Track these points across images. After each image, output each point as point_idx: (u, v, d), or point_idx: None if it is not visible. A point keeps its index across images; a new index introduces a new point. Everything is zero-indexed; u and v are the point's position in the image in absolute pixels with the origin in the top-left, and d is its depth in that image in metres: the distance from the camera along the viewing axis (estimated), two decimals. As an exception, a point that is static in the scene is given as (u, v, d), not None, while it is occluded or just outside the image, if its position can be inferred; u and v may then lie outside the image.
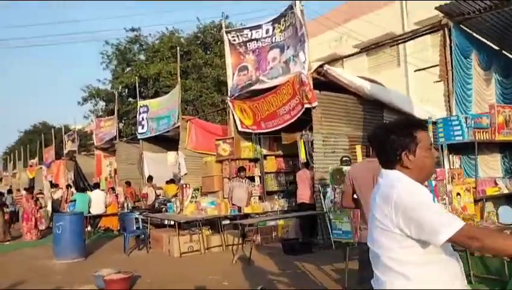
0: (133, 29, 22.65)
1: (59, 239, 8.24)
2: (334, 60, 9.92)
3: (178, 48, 13.90)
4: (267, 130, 9.83)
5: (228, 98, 10.60)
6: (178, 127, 12.56)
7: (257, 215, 9.23)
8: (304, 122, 9.04)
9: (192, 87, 19.71)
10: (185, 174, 12.30)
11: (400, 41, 8.59)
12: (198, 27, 22.07)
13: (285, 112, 9.03)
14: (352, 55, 9.56)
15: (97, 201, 11.33)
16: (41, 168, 26.41)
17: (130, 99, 22.55)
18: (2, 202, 12.40)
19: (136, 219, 9.01)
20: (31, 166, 29.00)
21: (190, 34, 22.48)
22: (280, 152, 10.92)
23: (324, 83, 8.63)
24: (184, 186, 9.34)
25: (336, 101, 8.57)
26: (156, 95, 21.24)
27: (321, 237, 7.98)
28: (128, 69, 22.30)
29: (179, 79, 12.92)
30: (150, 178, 14.02)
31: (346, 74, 8.80)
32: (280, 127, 9.42)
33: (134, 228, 8.93)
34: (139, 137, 14.61)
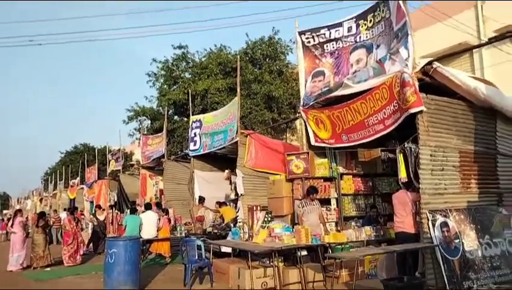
0: (180, 47, 21.96)
1: (111, 269, 6.90)
2: (444, 56, 8.29)
3: (238, 59, 12.60)
4: (349, 144, 8.30)
5: (300, 108, 9.17)
6: (236, 142, 11.24)
7: (340, 246, 7.63)
8: (387, 135, 7.57)
9: (241, 104, 18.52)
10: (241, 195, 10.91)
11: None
12: (247, 43, 21.09)
13: (377, 121, 7.49)
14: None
15: (149, 224, 10.02)
16: (82, 188, 25.76)
17: (176, 117, 21.67)
18: (44, 222, 11.31)
19: (199, 246, 7.57)
20: (72, 186, 28.45)
21: (239, 51, 21.53)
22: (358, 171, 9.34)
23: (423, 85, 7.07)
24: (254, 208, 7.86)
25: (446, 107, 6.95)
26: (203, 112, 20.25)
27: (432, 275, 6.28)
28: (175, 86, 21.48)
29: (238, 90, 11.67)
30: (202, 199, 12.69)
31: (460, 73, 7.20)
32: (368, 139, 7.87)
33: (196, 256, 7.48)
34: (190, 154, 13.38)
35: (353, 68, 8.35)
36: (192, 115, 20.56)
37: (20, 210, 11.84)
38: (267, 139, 11.63)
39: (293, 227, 8.20)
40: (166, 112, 16.38)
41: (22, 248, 10.99)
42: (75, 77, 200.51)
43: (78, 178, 27.90)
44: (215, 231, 10.95)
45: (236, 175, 11.65)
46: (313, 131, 8.76)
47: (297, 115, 9.44)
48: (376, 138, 7.78)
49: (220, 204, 11.64)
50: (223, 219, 11.26)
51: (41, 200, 37.45)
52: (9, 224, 11.22)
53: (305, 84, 9.25)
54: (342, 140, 8.35)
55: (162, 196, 16.17)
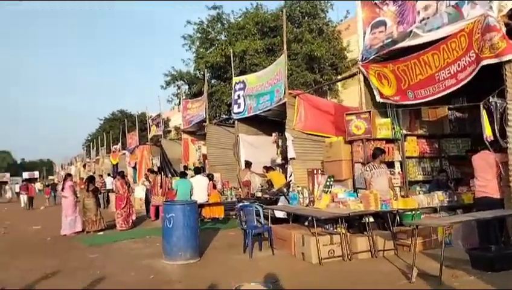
0: (214, 7, 21.05)
1: (170, 234, 6.56)
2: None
3: (284, 12, 11.67)
4: (415, 102, 7.48)
5: (360, 63, 8.36)
6: (283, 104, 10.55)
7: (410, 213, 7.00)
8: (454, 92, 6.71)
9: (282, 64, 17.69)
10: (292, 158, 10.33)
11: None
12: (285, 1, 19.93)
13: (449, 75, 6.63)
14: None
15: (200, 188, 9.67)
16: (124, 154, 25.93)
17: (214, 80, 21.07)
18: (94, 187, 11.18)
19: (257, 211, 7.11)
20: (113, 152, 28.76)
21: (276, 9, 20.43)
22: (423, 132, 8.54)
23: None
24: (315, 172, 7.28)
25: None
26: (241, 74, 19.54)
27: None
28: (211, 49, 20.76)
29: (284, 47, 10.84)
30: (249, 163, 12.24)
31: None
32: (437, 96, 7.03)
33: (255, 222, 7.03)
34: (234, 117, 12.82)
35: (420, 15, 7.38)
36: (229, 78, 20.01)
37: (70, 174, 11.77)
38: (317, 100, 10.88)
39: (354, 192, 7.64)
40: (205, 75, 15.75)
41: (74, 212, 10.93)
42: (107, 45, 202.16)
43: (120, 144, 28.10)
44: (265, 196, 10.52)
45: (283, 138, 11.09)
46: (377, 87, 7.95)
47: (356, 71, 8.60)
48: (442, 95, 6.96)
49: (267, 169, 11.13)
50: (271, 184, 10.81)
51: (84, 165, 38.38)
52: (59, 188, 11.13)
53: (364, 37, 8.38)
54: (407, 97, 7.54)
55: (206, 161, 15.87)
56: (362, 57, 8.29)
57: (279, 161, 12.95)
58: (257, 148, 13.09)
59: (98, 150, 34.44)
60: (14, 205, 26.72)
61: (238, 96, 12.73)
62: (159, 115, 19.74)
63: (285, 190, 9.19)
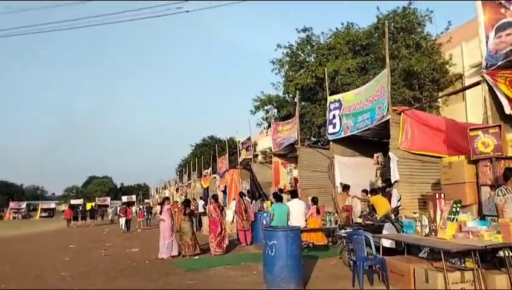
0: (304, 30, 20.86)
1: (272, 263, 6.03)
2: None
3: (386, 24, 10.88)
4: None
5: (484, 70, 7.29)
6: (386, 122, 9.67)
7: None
8: None
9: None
10: (396, 181, 9.34)
11: None
12: (378, 17, 19.04)
13: None
14: None
15: (297, 213, 9.09)
16: (214, 177, 26.40)
17: (304, 103, 20.67)
18: (190, 210, 11.16)
19: (367, 240, 6.30)
20: (205, 176, 29.47)
21: (368, 27, 19.60)
22: None
23: None
24: (437, 197, 6.30)
25: None
26: (333, 94, 18.87)
27: None
28: (301, 71, 20.47)
29: (387, 60, 10.03)
30: (347, 187, 11.44)
31: None
32: None
33: (365, 252, 6.23)
34: (329, 138, 12.15)
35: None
36: (320, 100, 19.45)
37: (167, 198, 11.95)
38: (426, 116, 9.84)
39: (481, 219, 6.50)
40: (297, 96, 15.37)
41: (171, 235, 10.96)
42: (194, 73, 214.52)
43: (210, 168, 28.75)
44: (367, 222, 9.59)
45: (386, 160, 10.14)
46: (506, 96, 6.83)
47: (480, 79, 7.50)
48: None
49: (370, 192, 10.19)
50: (373, 209, 9.85)
51: (177, 189, 40.00)
52: (158, 211, 11.29)
53: (487, 42, 7.31)
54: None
55: (297, 184, 15.33)
56: (486, 64, 7.22)
57: (379, 183, 11.94)
58: (354, 170, 12.23)
59: (189, 175, 35.66)
60: (113, 227, 28.43)
61: (334, 116, 12.08)
62: (249, 139, 19.75)
63: (392, 216, 8.22)
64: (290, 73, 20.40)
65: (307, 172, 14.43)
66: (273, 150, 16.96)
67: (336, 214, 10.82)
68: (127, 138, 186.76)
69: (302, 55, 20.93)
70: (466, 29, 18.11)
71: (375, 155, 10.93)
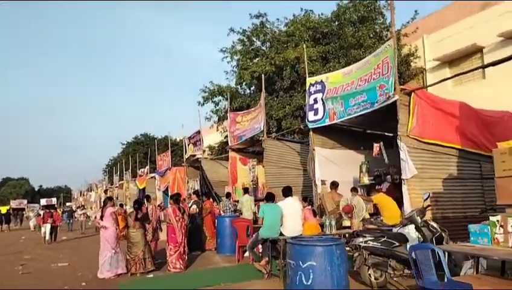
0: (258, 15, 18.82)
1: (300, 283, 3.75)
2: None
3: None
4: None
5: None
6: (388, 105, 7.87)
7: None
8: None
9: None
10: (404, 179, 7.57)
11: None
12: (339, 5, 17.57)
13: None
14: None
15: (294, 216, 6.80)
16: (153, 177, 23.34)
17: (260, 94, 18.59)
18: (143, 214, 8.47)
19: (433, 252, 4.26)
20: (140, 176, 26.20)
21: (325, 16, 18.07)
22: None
23: None
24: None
25: None
26: (292, 85, 17.04)
27: None
28: (255, 60, 18.38)
29: (393, 29, 8.24)
30: (335, 184, 9.50)
31: None
32: None
33: (435, 275, 4.17)
34: (310, 126, 10.12)
35: None
36: (281, 90, 17.50)
37: (110, 198, 9.05)
38: (438, 98, 8.13)
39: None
40: (263, 80, 13.19)
41: (116, 247, 8.20)
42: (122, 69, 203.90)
43: (147, 167, 25.55)
44: (370, 226, 7.68)
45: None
46: None
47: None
48: None
49: (369, 190, 8.29)
50: (377, 210, 8.02)
51: (105, 191, 35.83)
52: (97, 217, 8.45)
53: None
54: None
55: (259, 182, 13.23)
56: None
57: (365, 180, 10.18)
58: (336, 165, 10.35)
59: (121, 175, 31.92)
60: (32, 234, 24.08)
61: (315, 100, 10.07)
62: (198, 132, 17.15)
63: (419, 219, 6.33)
64: (245, 61, 18.23)
65: (274, 168, 12.31)
66: (230, 143, 14.60)
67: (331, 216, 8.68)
68: (48, 138, 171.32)
69: (258, 42, 18.88)
70: (433, 19, 17.33)
71: (375, 145, 9.07)
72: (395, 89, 7.78)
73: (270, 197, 6.99)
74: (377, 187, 10.06)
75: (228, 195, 13.04)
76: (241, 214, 11.47)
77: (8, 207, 43.21)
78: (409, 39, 16.77)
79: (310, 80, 10.38)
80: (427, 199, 6.73)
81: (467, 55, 15.71)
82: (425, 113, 7.80)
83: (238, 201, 12.74)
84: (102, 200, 36.15)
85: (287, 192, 7.13)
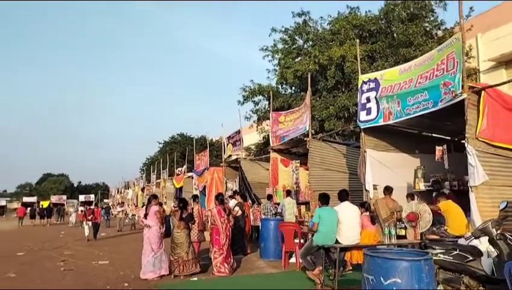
0: (301, 14, 18.30)
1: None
2: None
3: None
4: None
5: None
6: (459, 104, 7.16)
7: None
8: None
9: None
10: (472, 186, 6.85)
11: None
12: (386, 2, 16.79)
13: None
14: None
15: (352, 222, 6.25)
16: (190, 177, 23.21)
17: (302, 93, 18.06)
18: (188, 214, 8.13)
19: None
20: (178, 174, 26.17)
21: (372, 13, 17.33)
22: None
23: None
24: None
25: None
26: (336, 84, 16.42)
27: None
28: (298, 59, 17.87)
29: (461, 21, 7.54)
30: (389, 189, 8.84)
31: None
32: None
33: None
34: (361, 126, 9.51)
35: None
36: (324, 90, 16.92)
37: (155, 196, 8.73)
38: (509, 98, 7.38)
39: None
40: (309, 78, 12.65)
41: (159, 247, 7.94)
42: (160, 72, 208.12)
43: (185, 166, 25.51)
44: (431, 237, 7.02)
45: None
46: None
47: None
48: None
49: (438, 196, 7.65)
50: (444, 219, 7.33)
51: (143, 189, 36.26)
52: (141, 215, 8.19)
53: None
54: None
55: (306, 185, 12.69)
56: None
57: (421, 186, 9.46)
58: (389, 169, 9.68)
59: (159, 173, 32.15)
60: (72, 229, 24.56)
61: (368, 99, 9.45)
62: (238, 132, 16.80)
63: (494, 231, 5.64)
64: (287, 60, 17.75)
65: (318, 170, 11.75)
66: (271, 144, 14.15)
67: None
68: (87, 136, 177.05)
69: (300, 41, 18.37)
70: (489, 17, 16.27)
71: (438, 148, 8.34)
72: (462, 86, 7.09)
73: (325, 200, 6.43)
74: (434, 194, 9.40)
75: (270, 197, 12.57)
76: (282, 217, 11.03)
77: (48, 202, 44.70)
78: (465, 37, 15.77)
79: (362, 78, 9.77)
80: (504, 208, 6.02)
81: (526, 55, 14.64)
82: (496, 114, 7.08)
83: (278, 204, 12.31)
84: (138, 197, 36.72)
85: (344, 196, 6.58)
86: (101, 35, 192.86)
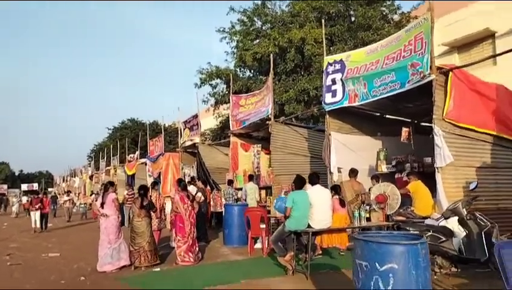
0: (260, -6, 17.89)
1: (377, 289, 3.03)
2: None
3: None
4: None
5: None
6: (426, 85, 7.15)
7: None
8: None
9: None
10: (438, 167, 6.91)
11: None
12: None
13: None
14: None
15: (324, 206, 6.05)
16: (143, 163, 22.29)
17: (261, 77, 17.76)
18: (149, 201, 7.60)
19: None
20: (129, 161, 25.04)
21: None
22: None
23: None
24: None
25: None
26: (295, 68, 16.24)
27: None
28: (258, 40, 17.47)
29: (431, 4, 7.47)
30: (354, 172, 8.82)
31: None
32: None
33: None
34: (326, 109, 9.35)
35: None
36: (283, 73, 16.67)
37: (112, 183, 8.04)
38: (475, 79, 7.46)
39: None
40: (271, 60, 12.29)
41: (118, 237, 7.36)
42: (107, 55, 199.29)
43: (137, 152, 24.47)
44: (398, 218, 7.02)
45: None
46: None
47: None
48: None
49: (409, 176, 7.65)
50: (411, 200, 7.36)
51: (91, 177, 34.58)
52: (98, 203, 7.54)
53: None
54: None
55: (268, 169, 12.46)
56: None
57: (383, 168, 9.55)
58: (353, 151, 9.66)
59: (108, 160, 30.71)
60: (16, 220, 22.91)
61: (333, 80, 9.28)
62: (196, 116, 16.19)
63: (464, 211, 5.67)
64: (245, 42, 17.30)
65: (280, 154, 11.56)
66: (231, 128, 13.74)
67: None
68: (29, 123, 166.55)
69: (259, 22, 17.97)
70: (443, 2, 16.65)
71: (405, 129, 8.36)
72: (431, 67, 7.07)
73: (299, 183, 6.18)
74: (396, 176, 9.50)
75: (230, 182, 12.24)
76: (244, 202, 10.78)
77: (-13, 192, 41.62)
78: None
79: (327, 59, 9.58)
80: (474, 188, 6.10)
81: (478, 40, 15.16)
82: (462, 95, 7.14)
83: (240, 189, 12.03)
84: (85, 186, 34.99)
85: (315, 179, 6.36)
86: (53, 23, 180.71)
